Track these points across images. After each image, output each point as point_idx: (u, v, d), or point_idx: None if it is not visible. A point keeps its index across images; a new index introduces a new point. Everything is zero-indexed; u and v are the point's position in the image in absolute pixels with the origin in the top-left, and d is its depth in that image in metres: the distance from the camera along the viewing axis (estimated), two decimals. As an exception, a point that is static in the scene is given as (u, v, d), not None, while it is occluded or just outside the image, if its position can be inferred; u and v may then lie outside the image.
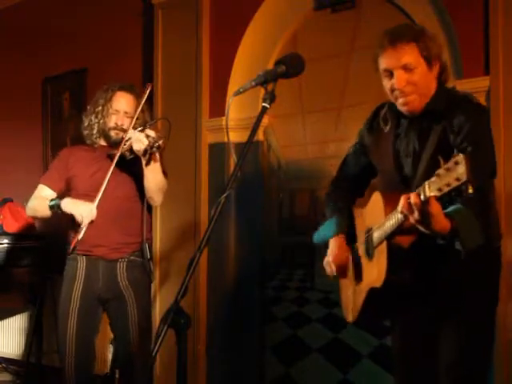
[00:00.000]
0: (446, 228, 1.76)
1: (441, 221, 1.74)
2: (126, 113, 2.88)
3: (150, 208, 2.98)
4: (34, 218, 3.07)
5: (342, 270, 2.29)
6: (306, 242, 3.62)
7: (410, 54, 1.98)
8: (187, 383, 1.64)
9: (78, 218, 2.76)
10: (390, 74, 2.03)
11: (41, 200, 2.92)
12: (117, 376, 3.34)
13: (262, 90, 1.77)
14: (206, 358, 3.89)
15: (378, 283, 1.99)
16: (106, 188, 2.79)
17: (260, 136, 3.76)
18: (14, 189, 4.90)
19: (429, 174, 1.83)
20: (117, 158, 2.78)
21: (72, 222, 2.84)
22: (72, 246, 2.81)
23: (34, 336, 4.37)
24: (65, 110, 4.92)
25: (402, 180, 2.07)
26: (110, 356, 4.00)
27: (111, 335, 3.06)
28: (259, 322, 3.76)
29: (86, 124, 2.95)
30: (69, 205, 2.80)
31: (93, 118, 2.91)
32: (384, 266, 1.96)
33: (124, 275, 2.86)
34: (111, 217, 2.84)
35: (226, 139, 3.53)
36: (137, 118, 2.87)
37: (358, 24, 3.43)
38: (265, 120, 3.66)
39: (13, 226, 4.50)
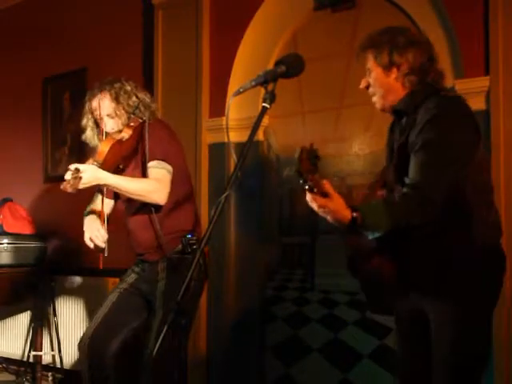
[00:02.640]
0: (346, 219, 1.92)
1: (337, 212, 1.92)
2: (107, 115, 2.82)
3: (187, 199, 2.91)
4: None
5: None
6: (305, 242, 3.64)
7: (367, 60, 2.17)
8: (187, 383, 1.64)
9: (87, 242, 2.80)
10: None
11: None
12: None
13: (262, 90, 1.78)
14: (206, 358, 3.89)
15: None
16: (118, 195, 2.83)
17: (260, 136, 3.76)
18: (14, 189, 4.91)
19: (396, 169, 2.08)
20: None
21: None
22: (101, 266, 2.85)
23: (34, 336, 4.37)
24: (65, 109, 4.91)
25: (394, 171, 2.15)
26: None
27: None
28: (259, 322, 3.76)
29: (86, 138, 2.95)
30: (85, 225, 2.86)
31: (87, 131, 2.91)
32: None
33: (164, 274, 2.83)
34: (132, 222, 2.87)
35: (226, 139, 3.53)
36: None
37: (357, 24, 3.43)
38: (265, 120, 3.66)
39: (13, 226, 4.50)
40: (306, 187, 1.90)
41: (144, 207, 2.80)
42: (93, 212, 2.92)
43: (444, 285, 2.03)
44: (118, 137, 2.78)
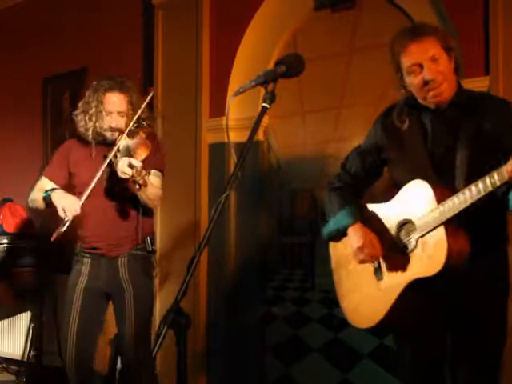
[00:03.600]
0: None
1: None
2: (119, 112, 2.87)
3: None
4: (34, 209, 3.05)
5: (375, 256, 2.17)
6: (305, 241, 3.64)
7: (434, 46, 2.07)
8: (187, 383, 1.64)
9: (60, 211, 2.76)
10: (418, 68, 2.07)
11: (39, 191, 2.94)
12: (117, 376, 3.34)
13: (262, 90, 1.78)
14: (206, 359, 3.89)
15: (433, 271, 1.95)
16: (101, 187, 2.81)
17: (260, 136, 3.76)
18: (13, 189, 4.90)
19: (472, 163, 1.98)
20: (107, 161, 2.79)
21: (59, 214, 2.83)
22: (53, 239, 2.77)
23: (34, 336, 4.37)
24: (65, 109, 4.91)
25: (435, 172, 2.07)
26: (108, 356, 4.00)
27: (111, 335, 3.06)
28: (259, 322, 3.76)
29: (81, 124, 2.94)
30: (56, 196, 2.81)
31: (87, 119, 2.91)
32: (443, 251, 1.94)
33: (125, 269, 2.87)
34: (107, 215, 2.86)
35: (226, 139, 3.53)
36: (135, 118, 2.86)
37: (358, 24, 3.43)
38: (265, 120, 3.66)
39: (13, 226, 4.50)
40: None
41: (128, 206, 2.86)
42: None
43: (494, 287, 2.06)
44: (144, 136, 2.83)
